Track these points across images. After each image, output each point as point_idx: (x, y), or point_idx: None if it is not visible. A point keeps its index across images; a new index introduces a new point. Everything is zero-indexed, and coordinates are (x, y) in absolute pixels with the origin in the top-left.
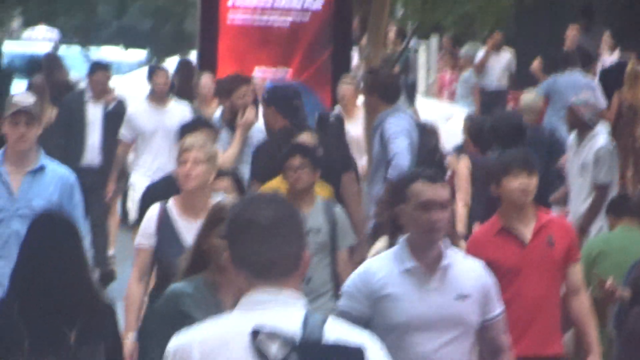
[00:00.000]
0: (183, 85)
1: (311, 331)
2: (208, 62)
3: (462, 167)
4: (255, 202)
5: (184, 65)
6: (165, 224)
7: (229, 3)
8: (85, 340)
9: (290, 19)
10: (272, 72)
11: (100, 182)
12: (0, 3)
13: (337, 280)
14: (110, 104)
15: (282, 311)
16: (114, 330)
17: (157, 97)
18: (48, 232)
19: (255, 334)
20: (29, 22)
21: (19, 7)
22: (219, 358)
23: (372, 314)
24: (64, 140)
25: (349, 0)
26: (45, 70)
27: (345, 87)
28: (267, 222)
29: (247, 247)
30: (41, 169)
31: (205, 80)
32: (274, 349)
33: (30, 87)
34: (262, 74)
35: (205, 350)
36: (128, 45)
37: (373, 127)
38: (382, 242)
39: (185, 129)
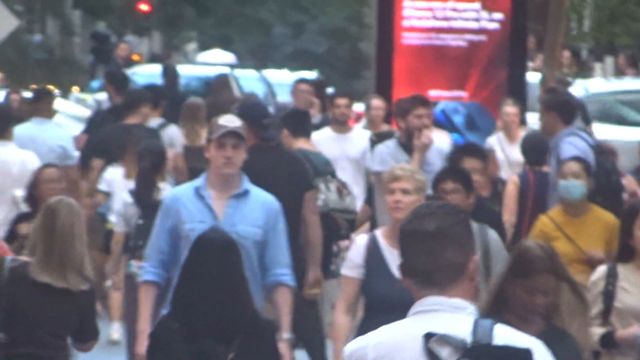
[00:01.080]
0: None
1: (481, 335)
2: (384, 83)
3: None
4: (421, 212)
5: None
6: (374, 254)
7: (405, 24)
8: (243, 358)
9: (466, 38)
10: (448, 94)
11: None
12: (177, 27)
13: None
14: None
15: (451, 317)
16: (273, 348)
17: (339, 123)
18: (210, 250)
19: (427, 338)
20: (204, 46)
21: (195, 31)
22: None
23: None
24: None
25: (524, 20)
26: (213, 92)
27: (508, 109)
28: (431, 231)
29: (413, 256)
30: (245, 193)
31: (376, 103)
32: (445, 352)
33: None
34: (438, 96)
35: (379, 352)
36: (304, 67)
37: (550, 148)
38: None
39: (459, 153)
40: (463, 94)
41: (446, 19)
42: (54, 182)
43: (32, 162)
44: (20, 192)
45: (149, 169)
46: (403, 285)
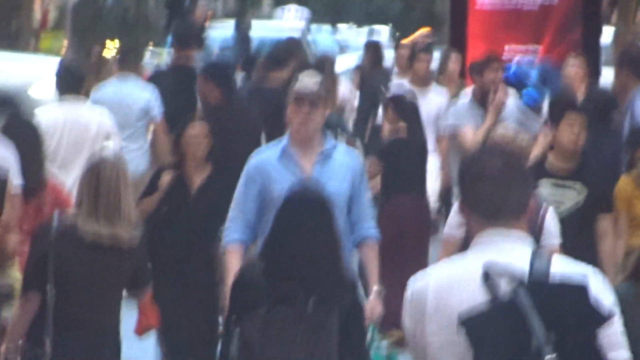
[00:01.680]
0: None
1: (538, 268)
2: (458, 43)
3: None
4: (488, 151)
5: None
6: None
7: None
8: (321, 309)
9: (539, 1)
10: (523, 50)
11: None
12: None
13: None
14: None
15: (511, 249)
16: (354, 305)
17: (420, 79)
18: (303, 204)
19: (486, 271)
20: (279, 2)
21: None
22: (451, 296)
23: None
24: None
25: None
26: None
27: (571, 61)
28: (500, 167)
29: (478, 193)
30: (330, 151)
31: (452, 61)
32: (503, 285)
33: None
34: (513, 52)
35: (439, 289)
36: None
37: (623, 107)
38: None
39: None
40: (538, 47)
41: None
42: (200, 137)
43: (108, 121)
44: (111, 143)
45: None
46: (465, 219)
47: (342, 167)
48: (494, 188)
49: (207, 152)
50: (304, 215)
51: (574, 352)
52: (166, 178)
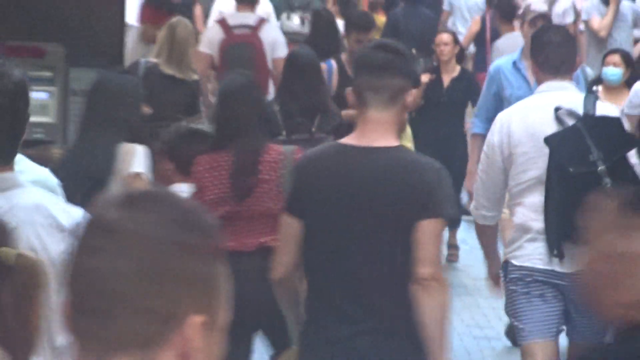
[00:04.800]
0: None
1: (588, 107)
2: None
3: None
4: (553, 28)
5: None
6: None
7: None
8: (321, 129)
9: None
10: None
11: None
12: None
13: None
14: None
15: (568, 93)
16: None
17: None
18: (303, 64)
19: (557, 107)
20: None
21: None
22: (530, 118)
23: None
24: None
25: None
26: None
27: None
28: (563, 33)
29: (547, 52)
30: None
31: None
32: (567, 119)
33: None
34: None
35: (521, 112)
36: None
37: None
38: None
39: None
40: None
41: None
42: (448, 45)
43: None
44: None
45: None
46: (533, 71)
47: None
48: (559, 47)
49: None
50: (305, 73)
51: (616, 166)
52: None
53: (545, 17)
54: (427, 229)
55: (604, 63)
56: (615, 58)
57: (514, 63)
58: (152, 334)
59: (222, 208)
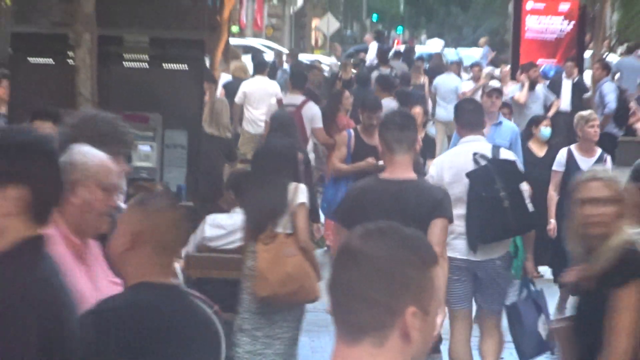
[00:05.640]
0: None
1: (494, 153)
2: (515, 57)
3: None
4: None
5: None
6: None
7: (526, 29)
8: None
9: (554, 35)
10: (547, 61)
11: None
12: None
13: None
14: None
15: (481, 144)
16: None
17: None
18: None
19: (474, 153)
20: (430, 35)
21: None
22: (456, 161)
23: None
24: None
25: (584, 25)
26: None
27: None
28: (474, 105)
29: (467, 116)
30: None
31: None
32: (481, 160)
33: None
34: (542, 62)
35: (450, 157)
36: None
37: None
38: None
39: None
40: (554, 60)
41: (546, 25)
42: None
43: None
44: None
45: None
46: (457, 130)
47: None
48: (472, 116)
49: None
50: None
51: (512, 192)
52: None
53: (498, 90)
54: (436, 224)
55: (538, 124)
56: (547, 122)
57: None
58: (384, 320)
59: None
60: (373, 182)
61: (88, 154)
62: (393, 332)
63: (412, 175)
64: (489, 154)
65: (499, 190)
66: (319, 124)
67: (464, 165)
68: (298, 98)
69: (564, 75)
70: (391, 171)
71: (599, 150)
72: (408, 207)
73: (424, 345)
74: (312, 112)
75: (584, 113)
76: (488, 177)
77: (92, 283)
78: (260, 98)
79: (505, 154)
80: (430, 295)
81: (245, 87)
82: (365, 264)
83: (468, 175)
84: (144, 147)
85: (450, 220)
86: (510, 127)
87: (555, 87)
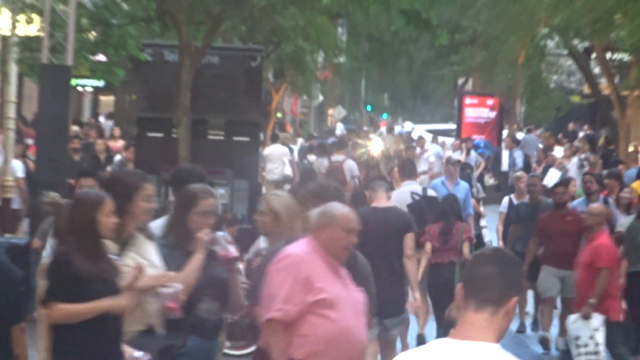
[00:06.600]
0: None
1: (424, 192)
2: (459, 134)
3: None
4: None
5: None
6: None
7: (465, 115)
8: None
9: (484, 119)
10: (479, 137)
11: None
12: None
13: None
14: None
15: (415, 185)
16: None
17: None
18: None
19: (411, 192)
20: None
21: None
22: (398, 198)
23: None
24: None
25: (503, 113)
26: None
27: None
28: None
29: (407, 169)
30: None
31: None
32: (416, 196)
33: None
34: (476, 137)
35: (393, 196)
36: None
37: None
38: None
39: None
40: (483, 136)
41: (478, 113)
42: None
43: None
44: None
45: None
46: (394, 177)
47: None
48: (410, 167)
49: None
50: None
51: (436, 217)
52: None
53: (458, 161)
54: (409, 236)
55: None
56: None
57: (442, 182)
58: (500, 300)
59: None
60: (367, 209)
61: (336, 207)
62: (502, 310)
63: (389, 204)
64: (421, 193)
65: (427, 219)
66: (356, 173)
67: (404, 200)
68: (340, 157)
69: (503, 146)
70: (377, 202)
71: (526, 195)
72: (391, 225)
73: (509, 323)
74: (350, 166)
75: (518, 174)
76: (420, 208)
77: (344, 288)
78: (278, 157)
79: (431, 193)
80: (521, 289)
81: (265, 150)
82: (492, 264)
83: (408, 207)
84: (221, 190)
85: (417, 233)
86: (464, 185)
87: (497, 155)
